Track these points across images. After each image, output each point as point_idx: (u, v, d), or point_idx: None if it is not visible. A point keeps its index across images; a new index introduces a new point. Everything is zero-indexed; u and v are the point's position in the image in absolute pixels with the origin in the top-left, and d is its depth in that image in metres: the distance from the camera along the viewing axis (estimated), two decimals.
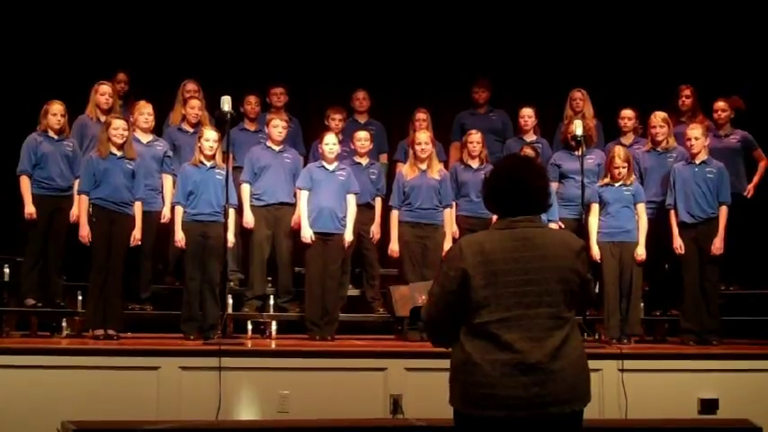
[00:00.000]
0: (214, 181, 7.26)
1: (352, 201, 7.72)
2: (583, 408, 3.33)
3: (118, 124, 7.19)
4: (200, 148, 7.37)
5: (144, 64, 9.12)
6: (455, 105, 9.44)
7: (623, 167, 7.53)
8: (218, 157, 7.38)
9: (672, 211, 7.62)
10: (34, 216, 7.31)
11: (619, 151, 7.67)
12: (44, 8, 9.26)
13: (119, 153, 7.18)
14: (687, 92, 8.59)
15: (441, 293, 3.41)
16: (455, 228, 7.87)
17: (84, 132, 7.86)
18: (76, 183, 7.36)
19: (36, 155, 7.39)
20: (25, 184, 7.36)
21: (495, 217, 3.59)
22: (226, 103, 6.98)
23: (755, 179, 8.22)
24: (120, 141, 7.16)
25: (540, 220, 3.47)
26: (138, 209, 7.28)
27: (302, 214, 7.62)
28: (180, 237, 7.28)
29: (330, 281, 7.54)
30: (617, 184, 7.54)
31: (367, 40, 9.94)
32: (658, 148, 8.01)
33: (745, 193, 8.09)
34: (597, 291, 7.48)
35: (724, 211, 7.58)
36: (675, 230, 7.58)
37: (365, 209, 8.08)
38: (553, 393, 3.23)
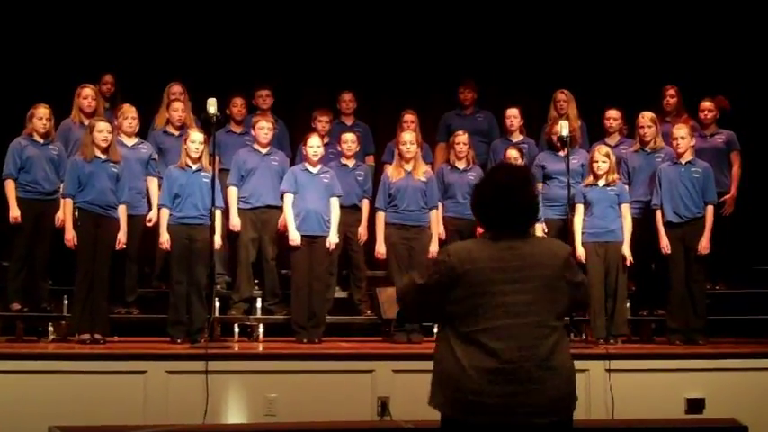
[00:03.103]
0: (200, 183, 7.25)
1: (335, 203, 7.71)
2: (569, 416, 3.35)
3: (102, 127, 7.16)
4: (185, 150, 7.35)
5: (129, 67, 9.08)
6: (441, 106, 9.45)
7: (603, 162, 7.55)
8: (205, 160, 7.35)
9: (658, 212, 7.65)
10: (19, 220, 7.28)
11: (599, 148, 7.73)
12: (29, 11, 9.22)
13: (103, 156, 7.15)
14: (671, 92, 8.65)
15: (421, 288, 3.45)
16: (441, 229, 7.88)
17: (69, 136, 7.82)
18: (62, 187, 7.34)
19: (21, 159, 7.36)
20: (10, 189, 7.33)
21: None
22: (211, 106, 6.98)
23: (732, 191, 8.22)
24: (104, 145, 7.13)
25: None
26: (122, 212, 7.25)
27: (288, 217, 7.61)
28: (165, 239, 7.26)
29: (317, 283, 7.53)
30: (601, 184, 7.57)
31: (353, 41, 9.94)
32: (646, 149, 8.03)
33: (721, 212, 8.07)
34: None
35: (710, 210, 7.62)
36: (662, 230, 7.60)
37: (352, 210, 8.09)
38: (539, 403, 3.25)
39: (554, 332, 3.34)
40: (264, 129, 7.94)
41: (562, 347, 3.36)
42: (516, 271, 3.33)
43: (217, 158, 7.39)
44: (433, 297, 3.40)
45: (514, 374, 3.25)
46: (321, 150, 7.75)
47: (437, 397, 3.39)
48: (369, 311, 8.06)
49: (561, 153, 7.77)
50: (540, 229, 7.55)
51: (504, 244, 3.39)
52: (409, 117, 8.58)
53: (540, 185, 7.96)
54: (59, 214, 7.32)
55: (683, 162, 7.66)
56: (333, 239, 7.61)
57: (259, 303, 8.00)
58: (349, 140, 8.13)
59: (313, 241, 7.56)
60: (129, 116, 7.75)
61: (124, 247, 7.29)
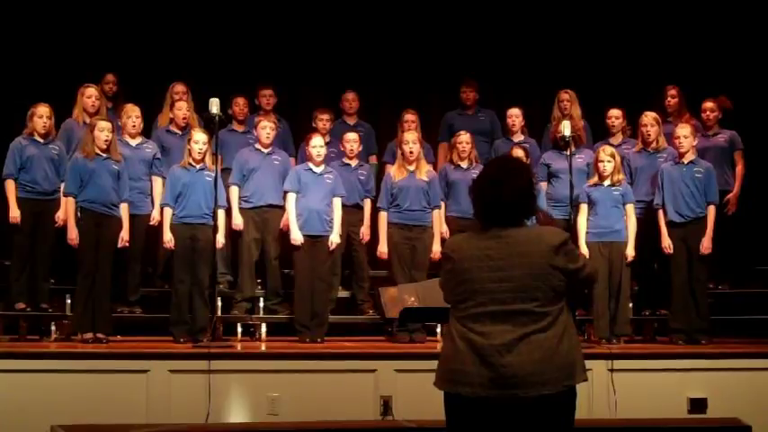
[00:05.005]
0: (203, 183, 7.25)
1: (338, 204, 7.72)
2: (555, 391, 3.36)
3: (103, 126, 7.15)
4: (189, 150, 7.36)
5: (132, 66, 9.08)
6: (443, 106, 9.45)
7: (608, 162, 7.55)
8: (208, 159, 7.36)
9: (660, 211, 7.64)
10: (18, 220, 7.28)
11: (604, 148, 7.73)
12: (31, 10, 9.23)
13: (104, 155, 7.15)
14: (673, 92, 8.65)
15: (441, 289, 3.64)
16: (445, 228, 7.87)
17: (71, 136, 7.84)
18: (63, 186, 7.33)
19: (21, 158, 7.36)
20: (10, 188, 7.34)
21: None
22: (214, 106, 6.99)
23: (735, 190, 8.20)
24: (105, 145, 7.12)
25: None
26: (124, 210, 7.26)
27: (290, 217, 7.61)
28: (168, 238, 7.27)
29: (319, 282, 7.53)
30: (606, 184, 7.56)
31: (354, 41, 9.93)
32: (649, 149, 8.03)
33: (725, 210, 8.07)
34: (586, 291, 7.51)
35: (712, 210, 7.61)
36: (664, 230, 7.60)
37: (354, 210, 8.08)
38: (519, 375, 3.32)
39: (544, 317, 3.39)
40: (267, 129, 7.93)
41: (553, 327, 3.39)
42: (501, 259, 3.42)
43: (219, 158, 7.39)
44: (446, 290, 3.59)
45: (497, 348, 3.34)
46: (324, 150, 7.75)
47: (437, 374, 3.51)
48: (371, 311, 8.05)
49: (566, 152, 7.76)
50: None
51: (492, 233, 3.48)
52: (410, 117, 8.57)
53: (544, 184, 7.96)
54: (60, 213, 7.34)
55: (686, 162, 7.65)
56: (334, 239, 7.61)
57: (262, 303, 8.00)
58: (351, 140, 8.12)
59: (315, 241, 7.56)
60: (133, 116, 7.75)
61: (127, 245, 7.29)
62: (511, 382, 3.31)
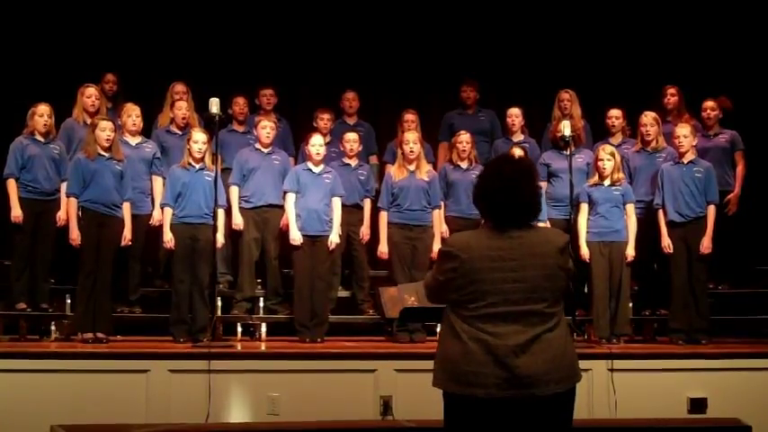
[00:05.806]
0: (203, 182, 7.26)
1: (337, 203, 7.72)
2: (566, 389, 3.41)
3: (104, 125, 7.16)
4: (189, 150, 7.36)
5: (132, 66, 9.09)
6: (443, 106, 9.45)
7: (608, 160, 7.55)
8: (208, 159, 7.36)
9: (660, 211, 7.64)
10: (20, 219, 7.27)
11: (604, 147, 7.74)
12: (32, 9, 9.23)
13: (106, 154, 7.16)
14: (672, 91, 8.65)
15: (433, 287, 3.61)
16: (444, 228, 7.86)
17: (72, 135, 7.84)
18: (63, 185, 7.33)
19: (23, 157, 7.36)
20: (12, 188, 7.33)
21: None
22: (214, 106, 6.99)
23: (736, 190, 8.19)
24: (107, 144, 7.12)
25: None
26: (126, 210, 7.26)
27: (290, 216, 7.61)
28: (168, 238, 7.27)
29: (319, 282, 7.53)
30: (606, 184, 7.56)
31: (356, 40, 9.94)
32: (648, 148, 8.03)
33: (726, 210, 8.07)
34: (586, 291, 7.53)
35: (712, 210, 7.61)
36: (664, 230, 7.60)
37: (354, 210, 8.09)
38: (534, 376, 3.34)
39: (552, 317, 3.44)
40: (267, 128, 7.94)
41: (558, 327, 3.45)
42: (514, 260, 3.43)
43: (219, 157, 7.40)
44: (445, 291, 3.53)
45: (510, 349, 3.35)
46: (323, 149, 7.75)
47: (439, 375, 3.49)
48: (371, 311, 8.05)
49: (566, 152, 7.76)
50: None
51: (503, 234, 3.49)
52: (410, 117, 8.58)
53: (544, 184, 7.95)
54: (61, 213, 7.33)
55: (685, 161, 7.65)
56: (334, 239, 7.61)
57: (261, 302, 8.01)
58: (351, 140, 8.12)
59: (315, 241, 7.56)
60: (133, 114, 7.75)
61: (130, 243, 7.29)
62: (526, 381, 3.34)
